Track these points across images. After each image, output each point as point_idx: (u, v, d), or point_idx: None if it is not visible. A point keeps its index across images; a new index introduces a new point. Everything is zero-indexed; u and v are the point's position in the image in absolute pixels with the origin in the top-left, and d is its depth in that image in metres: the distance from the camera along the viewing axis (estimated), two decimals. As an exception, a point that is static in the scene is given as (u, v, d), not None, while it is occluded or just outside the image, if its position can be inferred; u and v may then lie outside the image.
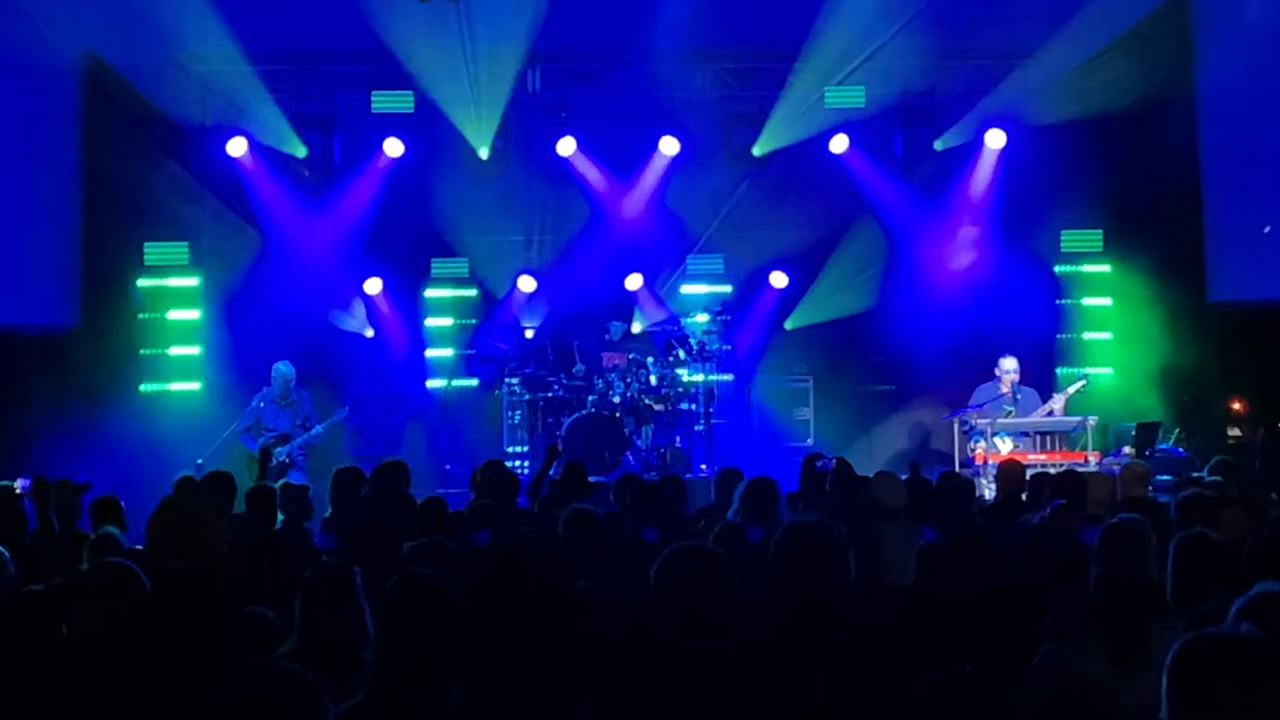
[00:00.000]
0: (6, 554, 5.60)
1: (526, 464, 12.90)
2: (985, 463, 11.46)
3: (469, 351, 14.30)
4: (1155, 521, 5.94)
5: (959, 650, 4.44)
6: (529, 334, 13.88)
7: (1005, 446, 11.65)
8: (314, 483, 10.90)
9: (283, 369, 12.03)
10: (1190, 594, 4.63)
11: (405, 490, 7.84)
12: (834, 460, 8.12)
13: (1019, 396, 12.23)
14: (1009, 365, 12.35)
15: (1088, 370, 13.78)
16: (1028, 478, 8.42)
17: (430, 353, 14.29)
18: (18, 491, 8.56)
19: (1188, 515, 6.12)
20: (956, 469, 11.26)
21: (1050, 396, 12.42)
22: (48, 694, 3.72)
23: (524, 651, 3.24)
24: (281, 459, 11.77)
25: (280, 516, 7.71)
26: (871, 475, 8.04)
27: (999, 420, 11.96)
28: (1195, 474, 8.93)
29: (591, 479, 8.62)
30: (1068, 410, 12.20)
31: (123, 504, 7.41)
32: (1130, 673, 4.16)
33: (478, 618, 3.36)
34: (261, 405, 11.98)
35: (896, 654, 4.13)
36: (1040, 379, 13.21)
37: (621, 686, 3.66)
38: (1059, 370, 13.93)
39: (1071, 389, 12.26)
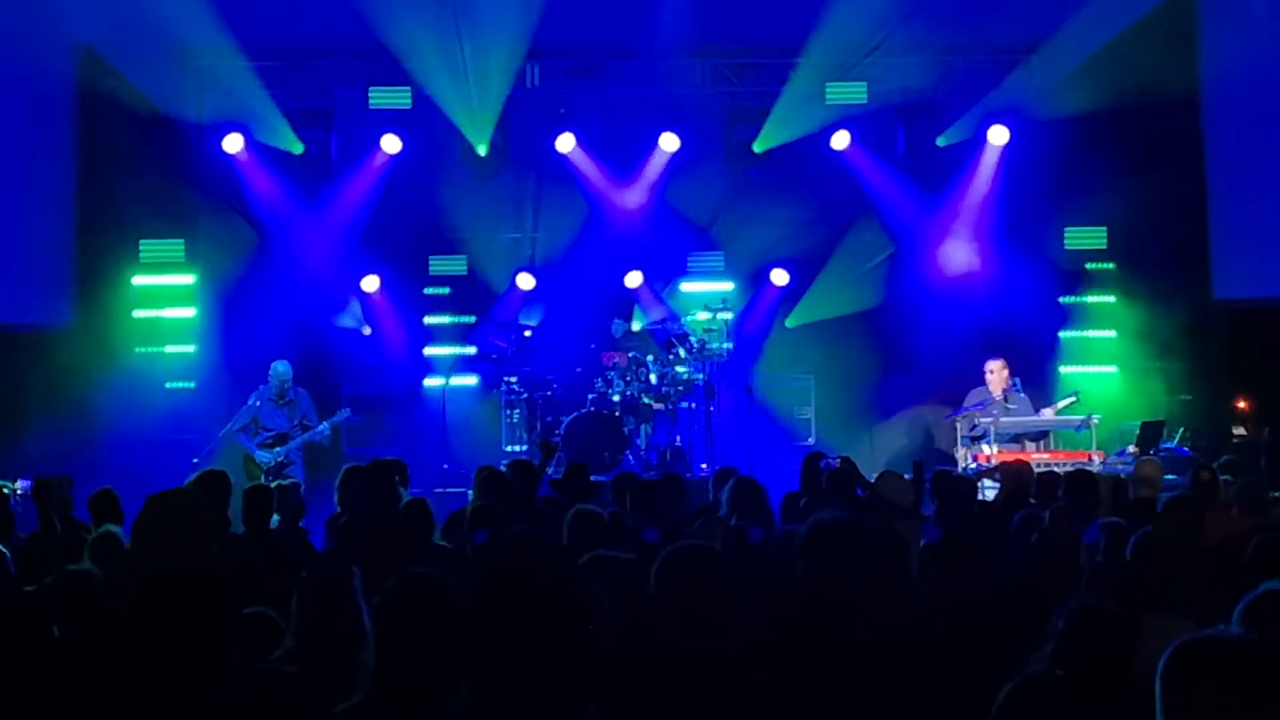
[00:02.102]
0: (7, 553, 5.53)
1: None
2: (989, 462, 11.37)
3: (468, 349, 14.21)
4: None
5: (960, 650, 4.38)
6: (528, 333, 13.79)
7: (991, 448, 11.60)
8: (310, 482, 10.86)
9: (280, 368, 11.93)
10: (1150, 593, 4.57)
11: (402, 490, 7.77)
12: (838, 460, 8.03)
13: (1012, 405, 12.16)
14: (995, 368, 12.34)
15: (1090, 369, 13.77)
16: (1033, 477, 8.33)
17: (429, 350, 14.19)
18: (19, 492, 8.50)
19: (1169, 519, 6.02)
20: (959, 469, 11.20)
21: (1043, 404, 12.36)
22: (44, 694, 3.67)
23: (528, 653, 3.18)
24: (279, 458, 11.68)
25: (275, 516, 7.63)
26: (873, 475, 7.96)
27: (1002, 420, 11.90)
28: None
29: (591, 478, 8.53)
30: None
31: (119, 496, 7.31)
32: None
33: (480, 618, 3.30)
34: (258, 404, 11.87)
35: (897, 653, 4.08)
36: (1045, 377, 13.15)
37: (623, 687, 3.64)
38: (1062, 369, 13.85)
39: (1062, 404, 12.20)
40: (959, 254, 13.99)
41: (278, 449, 11.71)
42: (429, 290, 14.29)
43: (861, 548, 4.30)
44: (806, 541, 4.31)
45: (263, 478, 11.09)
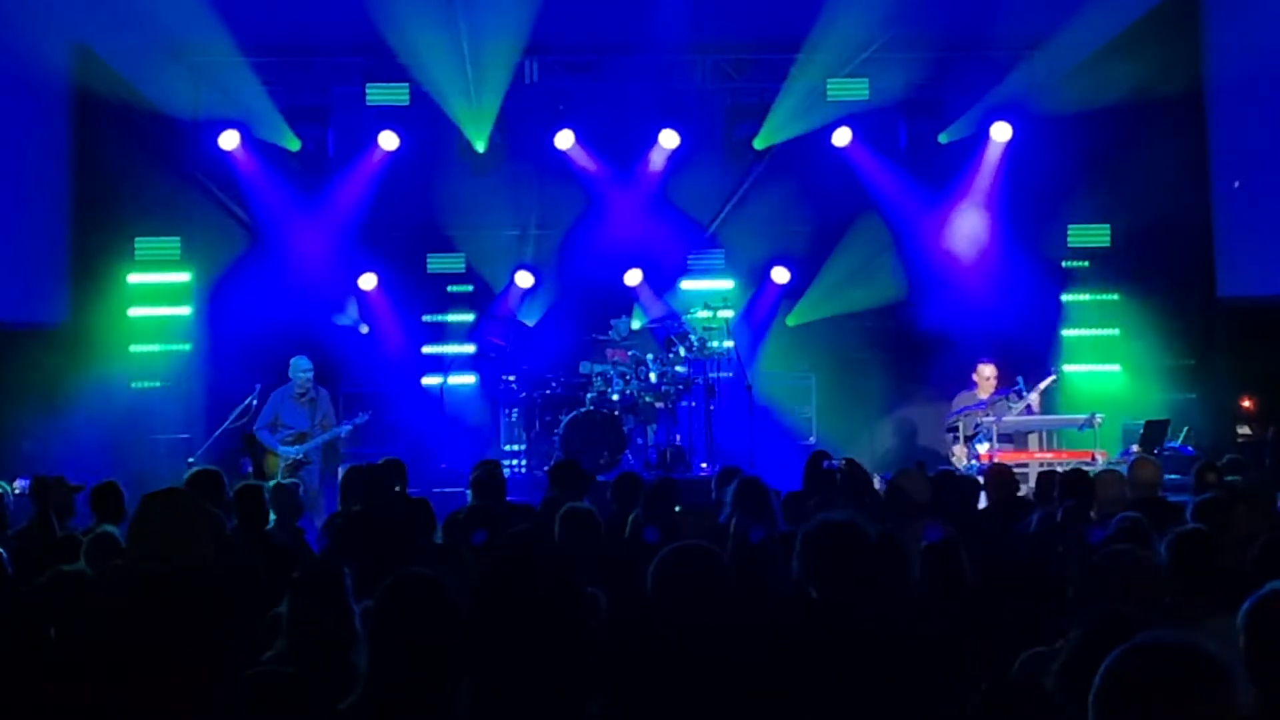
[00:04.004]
0: (4, 554, 5.47)
1: (525, 462, 12.73)
2: (990, 462, 11.32)
3: (466, 348, 14.13)
4: (1162, 522, 5.79)
5: (961, 651, 4.34)
6: (528, 324, 13.71)
7: (982, 448, 11.58)
8: (326, 481, 10.87)
9: (303, 364, 11.87)
10: (1191, 594, 4.52)
11: (401, 490, 7.71)
12: (841, 460, 7.96)
13: (1014, 405, 12.09)
14: (987, 372, 12.33)
15: (1093, 368, 13.70)
16: (1036, 476, 8.29)
17: (427, 349, 14.12)
18: (17, 491, 8.41)
19: (1204, 518, 5.94)
20: (959, 469, 11.14)
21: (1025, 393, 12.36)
22: (40, 695, 3.69)
23: (528, 653, 3.14)
24: (299, 455, 11.61)
25: (271, 516, 7.57)
26: (874, 474, 7.90)
27: (1005, 419, 11.86)
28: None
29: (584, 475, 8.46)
30: (1043, 406, 12.26)
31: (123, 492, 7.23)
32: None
33: (480, 618, 3.26)
34: (281, 401, 11.82)
35: (898, 653, 4.03)
36: (1047, 377, 13.09)
37: (623, 687, 3.62)
38: (1065, 368, 13.80)
39: (1042, 385, 12.27)
40: (969, 228, 13.90)
41: (298, 447, 11.65)
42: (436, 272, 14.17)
43: (868, 548, 4.26)
44: (806, 542, 4.27)
45: (280, 474, 11.02)
